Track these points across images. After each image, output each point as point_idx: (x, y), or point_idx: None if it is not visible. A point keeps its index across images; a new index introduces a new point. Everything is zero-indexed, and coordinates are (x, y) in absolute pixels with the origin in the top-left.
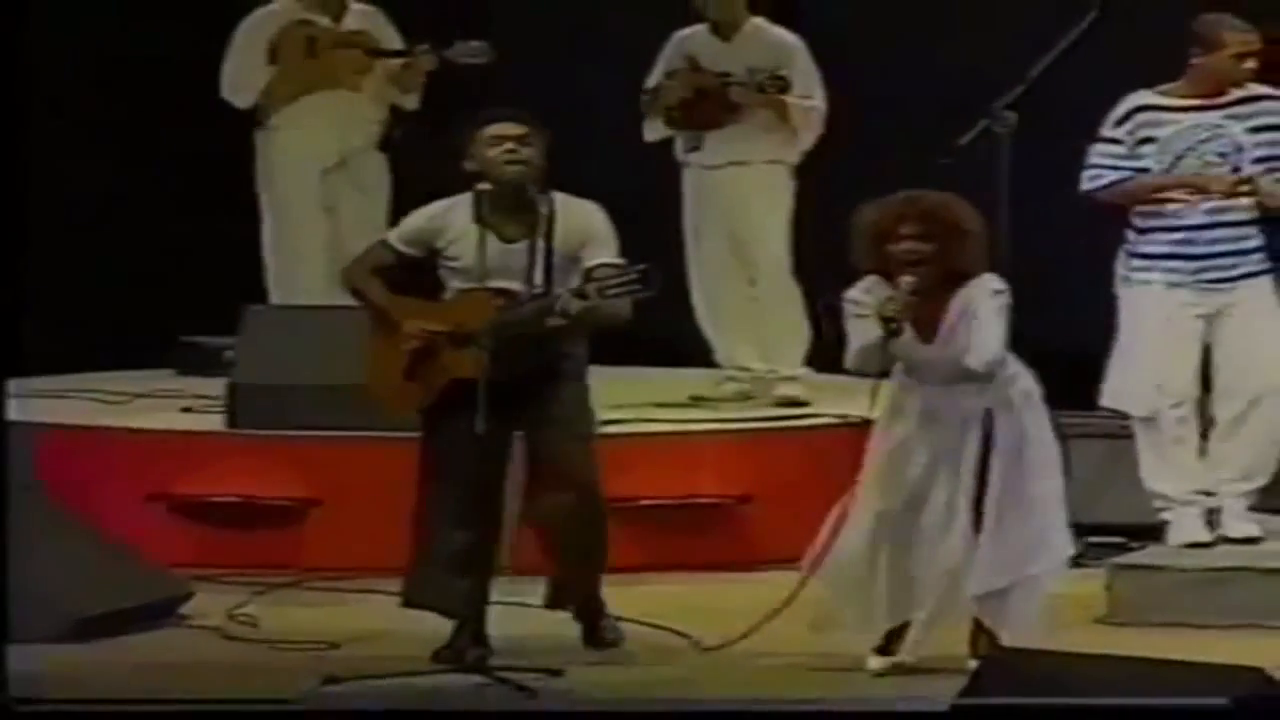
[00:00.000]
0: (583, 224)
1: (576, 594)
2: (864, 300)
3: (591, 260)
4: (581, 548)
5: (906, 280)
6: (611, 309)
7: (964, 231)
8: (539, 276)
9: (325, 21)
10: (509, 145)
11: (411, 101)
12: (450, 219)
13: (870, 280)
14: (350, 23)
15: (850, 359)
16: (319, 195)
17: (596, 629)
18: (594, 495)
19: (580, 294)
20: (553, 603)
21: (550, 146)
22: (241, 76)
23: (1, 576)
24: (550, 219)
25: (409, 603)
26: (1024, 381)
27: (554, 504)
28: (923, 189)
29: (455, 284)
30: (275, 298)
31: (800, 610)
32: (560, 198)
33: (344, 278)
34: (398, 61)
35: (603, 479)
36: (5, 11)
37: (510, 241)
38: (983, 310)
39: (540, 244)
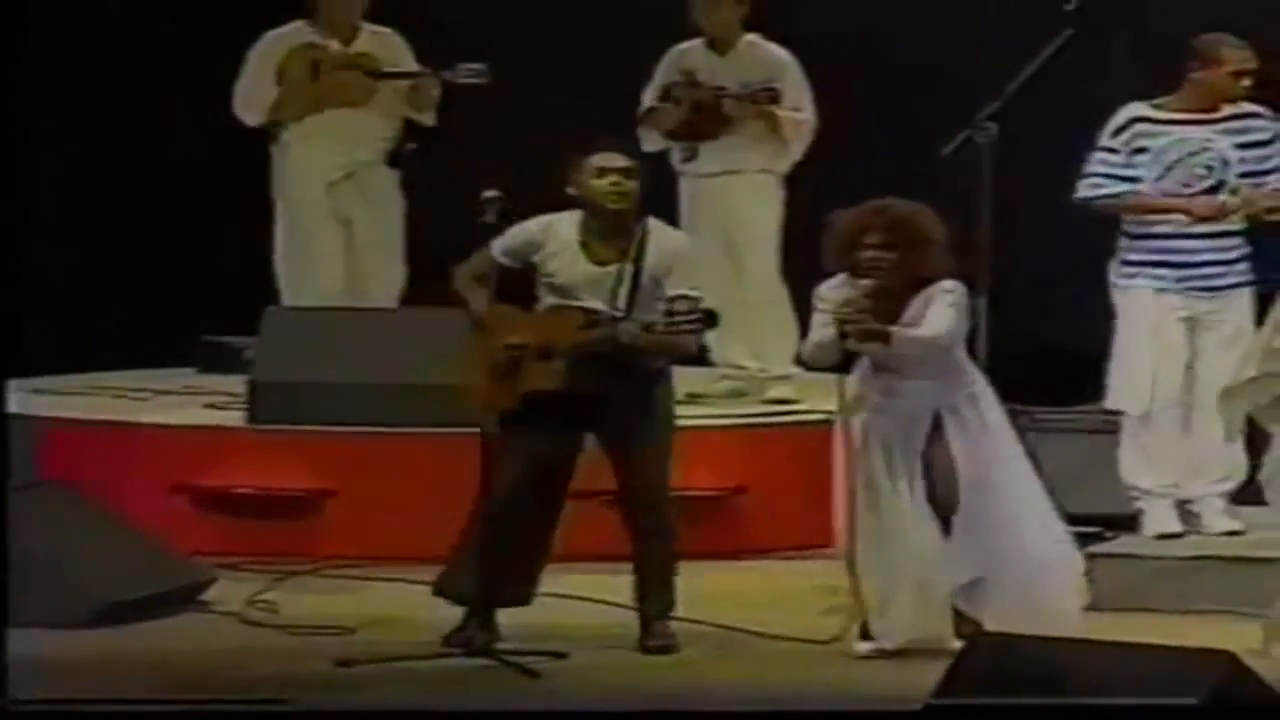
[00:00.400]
0: (671, 252)
1: (644, 595)
2: (829, 297)
3: (673, 289)
4: (644, 556)
5: (863, 283)
6: (681, 343)
7: (927, 241)
8: (623, 299)
9: (334, 45)
10: (614, 178)
11: (428, 119)
12: (550, 235)
13: (840, 278)
14: (360, 44)
15: (805, 351)
16: (329, 207)
17: (645, 632)
18: (660, 514)
19: (647, 327)
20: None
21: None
22: (250, 96)
23: (2, 574)
24: (641, 244)
25: (439, 591)
26: (977, 385)
27: (628, 518)
28: (894, 198)
29: (548, 299)
30: (285, 303)
31: (799, 597)
32: (653, 224)
33: (451, 281)
34: (405, 82)
35: (669, 494)
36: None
37: (602, 264)
38: (936, 302)
39: (629, 268)
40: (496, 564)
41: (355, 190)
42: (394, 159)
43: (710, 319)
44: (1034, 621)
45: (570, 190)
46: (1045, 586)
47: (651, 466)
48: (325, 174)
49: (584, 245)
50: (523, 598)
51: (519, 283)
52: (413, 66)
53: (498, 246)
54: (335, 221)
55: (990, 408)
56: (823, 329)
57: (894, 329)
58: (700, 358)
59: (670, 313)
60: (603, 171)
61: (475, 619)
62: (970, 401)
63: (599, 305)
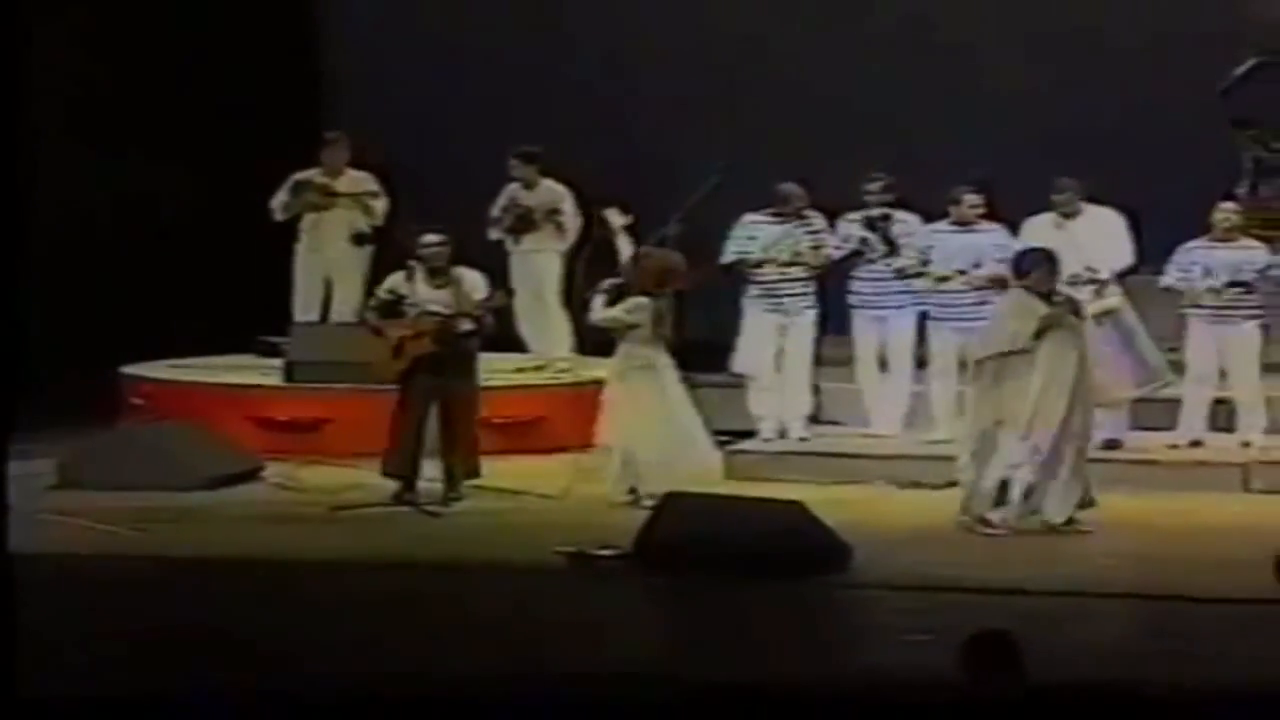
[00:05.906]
0: (473, 281)
1: (454, 473)
2: (599, 293)
3: (475, 297)
4: (455, 452)
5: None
6: (485, 316)
7: (667, 269)
8: (453, 305)
9: (325, 179)
10: (433, 249)
11: (377, 218)
12: (407, 278)
13: (608, 281)
14: (341, 180)
15: (595, 319)
16: (321, 274)
17: (448, 491)
18: (468, 430)
19: (462, 313)
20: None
21: (457, 241)
22: (275, 205)
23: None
24: (459, 279)
25: (385, 473)
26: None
27: (449, 428)
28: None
29: (411, 311)
30: (296, 318)
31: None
32: (464, 269)
33: (363, 310)
34: (360, 198)
35: (478, 414)
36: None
37: (439, 288)
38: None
39: (454, 288)
40: (402, 456)
41: (334, 262)
42: (358, 240)
43: (496, 303)
44: (694, 485)
45: (418, 251)
46: (699, 464)
47: (467, 404)
48: (316, 252)
49: (427, 278)
50: (415, 473)
51: (396, 307)
52: (372, 192)
53: (382, 290)
54: (317, 276)
55: (670, 367)
56: (598, 308)
57: None
58: (523, 349)
59: (481, 302)
60: (425, 245)
61: (407, 486)
62: (670, 364)
63: (442, 310)
